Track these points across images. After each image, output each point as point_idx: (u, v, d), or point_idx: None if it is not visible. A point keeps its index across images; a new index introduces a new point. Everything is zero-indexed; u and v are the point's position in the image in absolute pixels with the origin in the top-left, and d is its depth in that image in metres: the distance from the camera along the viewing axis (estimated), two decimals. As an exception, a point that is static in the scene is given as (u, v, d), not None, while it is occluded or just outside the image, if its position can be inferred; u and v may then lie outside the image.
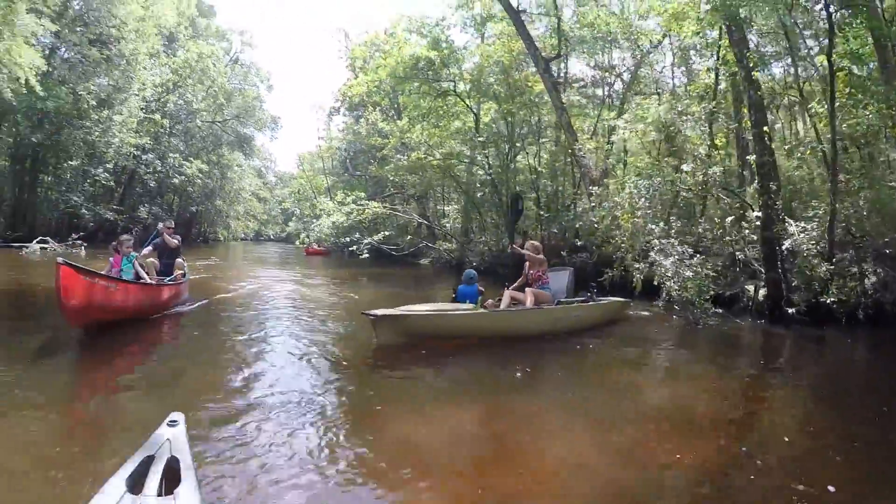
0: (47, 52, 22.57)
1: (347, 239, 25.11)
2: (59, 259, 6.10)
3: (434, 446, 3.94)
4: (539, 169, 18.99)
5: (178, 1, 36.66)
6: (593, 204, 12.92)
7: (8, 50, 15.88)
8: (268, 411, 4.22)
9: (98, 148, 27.95)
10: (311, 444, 3.66)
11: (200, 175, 37.59)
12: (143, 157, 33.23)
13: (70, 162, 27.88)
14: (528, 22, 17.33)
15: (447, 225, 26.49)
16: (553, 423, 4.50)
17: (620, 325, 9.26)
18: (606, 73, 18.65)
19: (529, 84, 17.54)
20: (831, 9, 9.34)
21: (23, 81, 16.95)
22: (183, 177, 36.43)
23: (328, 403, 4.58)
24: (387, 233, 24.60)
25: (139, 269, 7.93)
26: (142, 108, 31.05)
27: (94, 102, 26.41)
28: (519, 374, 5.89)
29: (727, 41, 11.13)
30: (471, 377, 5.98)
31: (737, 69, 10.68)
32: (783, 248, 9.37)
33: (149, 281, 8.07)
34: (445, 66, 18.46)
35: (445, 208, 28.28)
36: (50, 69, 22.01)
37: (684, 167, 11.18)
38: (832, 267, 9.10)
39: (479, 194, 21.68)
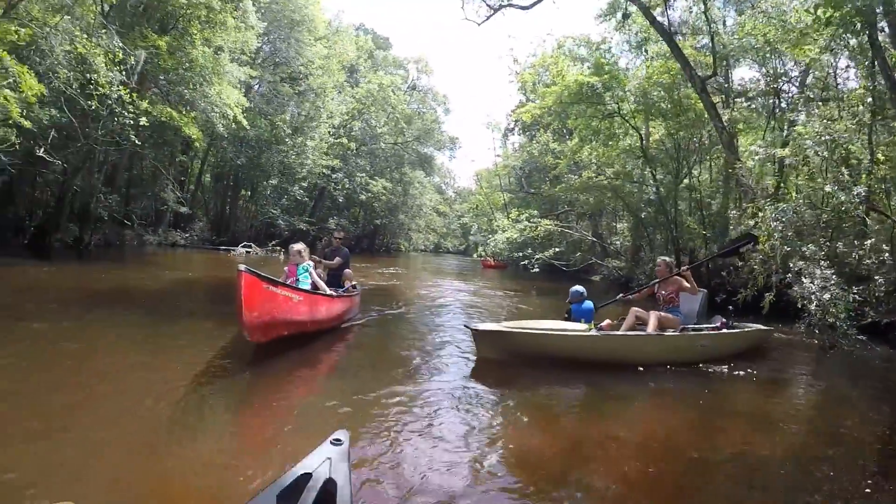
0: (245, 90, 25.53)
1: (520, 254, 26.08)
2: (241, 266, 5.41)
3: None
4: (700, 187, 18.01)
5: (357, 38, 39.68)
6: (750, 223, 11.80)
7: (219, 93, 18.26)
8: (430, 435, 4.04)
9: (293, 168, 31.22)
10: (473, 472, 3.51)
11: (384, 192, 40.12)
12: (333, 175, 36.22)
13: (270, 181, 31.30)
14: (683, 40, 16.54)
15: (618, 242, 25.72)
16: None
17: (760, 355, 8.07)
18: (773, 82, 17.09)
19: (692, 101, 16.57)
20: None
21: (231, 117, 19.30)
22: (370, 194, 39.14)
23: (486, 423, 4.43)
24: (558, 249, 24.37)
25: (316, 278, 7.34)
26: (331, 133, 34.06)
27: (289, 130, 29.54)
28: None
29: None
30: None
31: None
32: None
33: (328, 292, 7.52)
34: (608, 90, 17.98)
35: (618, 226, 27.72)
36: (251, 104, 24.83)
37: (828, 187, 10.04)
38: None
39: (642, 214, 20.92)
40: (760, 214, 10.32)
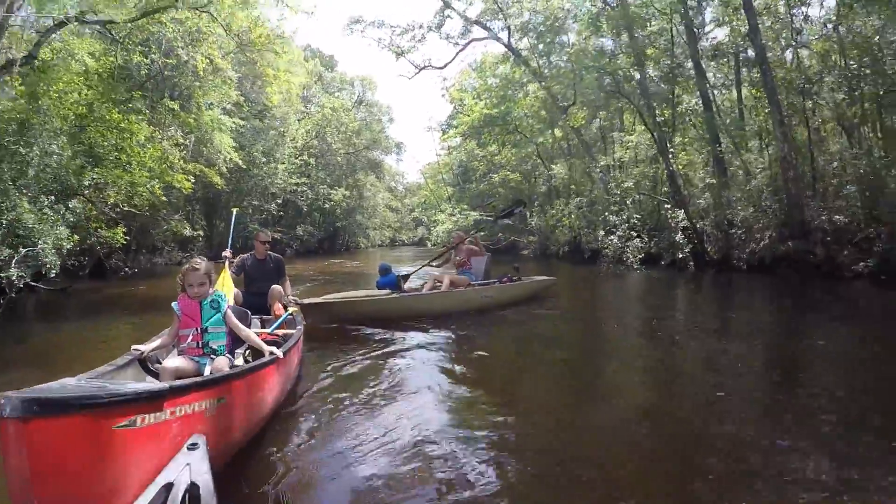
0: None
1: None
2: (14, 397, 1.97)
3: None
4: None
5: (307, 61, 45.85)
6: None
7: (220, 141, 24.56)
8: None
9: (268, 189, 37.36)
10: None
11: (343, 198, 46.68)
12: (299, 189, 42.53)
13: (252, 202, 37.31)
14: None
15: (532, 223, 33.22)
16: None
17: (541, 298, 11.19)
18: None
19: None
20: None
21: (228, 158, 25.65)
22: (332, 202, 45.55)
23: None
24: (484, 232, 31.75)
25: (237, 323, 4.05)
26: (295, 155, 40.36)
27: (263, 158, 35.66)
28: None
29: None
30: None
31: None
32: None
33: (264, 347, 4.06)
34: (506, 115, 25.40)
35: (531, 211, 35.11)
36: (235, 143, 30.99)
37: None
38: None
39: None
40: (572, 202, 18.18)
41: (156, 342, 4.02)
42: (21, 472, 1.95)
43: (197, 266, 3.87)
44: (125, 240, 11.72)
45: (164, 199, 15.20)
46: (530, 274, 12.43)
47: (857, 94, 15.09)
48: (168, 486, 2.34)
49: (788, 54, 17.74)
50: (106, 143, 10.69)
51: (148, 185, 12.03)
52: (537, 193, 28.18)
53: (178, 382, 2.85)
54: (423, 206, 60.95)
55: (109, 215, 12.32)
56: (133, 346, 3.94)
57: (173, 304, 3.91)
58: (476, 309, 9.24)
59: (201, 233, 36.88)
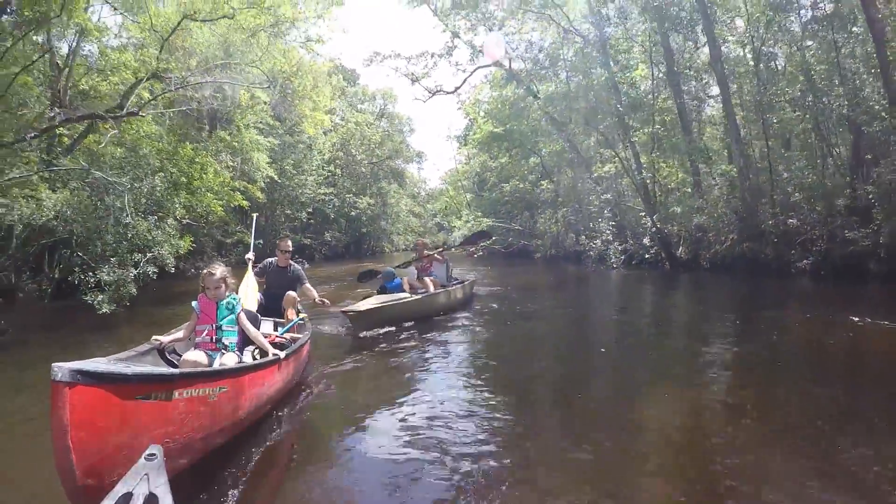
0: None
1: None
2: (58, 369, 2.55)
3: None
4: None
5: (330, 78, 49.00)
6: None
7: (257, 160, 27.78)
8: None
9: (299, 199, 40.55)
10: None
11: (368, 206, 49.99)
12: (327, 199, 45.79)
13: (285, 211, 40.50)
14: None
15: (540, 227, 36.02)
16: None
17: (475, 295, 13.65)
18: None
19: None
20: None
21: (265, 175, 28.87)
22: (357, 210, 48.82)
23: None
24: (496, 237, 34.65)
25: (248, 326, 4.64)
26: (322, 167, 43.62)
27: (293, 171, 38.85)
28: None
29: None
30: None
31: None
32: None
33: (270, 350, 4.70)
34: (512, 133, 28.54)
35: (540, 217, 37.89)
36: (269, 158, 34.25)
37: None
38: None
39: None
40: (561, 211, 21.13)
41: (175, 334, 4.63)
42: (63, 423, 2.50)
43: (213, 272, 4.44)
44: (192, 246, 14.80)
45: (223, 214, 18.15)
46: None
47: (807, 115, 17.54)
48: (126, 497, 2.44)
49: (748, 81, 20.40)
50: (182, 175, 13.87)
51: (218, 204, 15.11)
52: (542, 201, 31.23)
53: (188, 370, 3.52)
54: (445, 211, 64.33)
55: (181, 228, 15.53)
56: (153, 337, 4.53)
57: (193, 302, 4.56)
58: (458, 306, 10.94)
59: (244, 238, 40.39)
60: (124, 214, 10.59)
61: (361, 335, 8.02)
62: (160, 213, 12.55)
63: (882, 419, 4.61)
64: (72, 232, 11.15)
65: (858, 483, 3.48)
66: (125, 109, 12.16)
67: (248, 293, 6.65)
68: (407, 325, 8.92)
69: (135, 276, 10.87)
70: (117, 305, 10.63)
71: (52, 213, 10.75)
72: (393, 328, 8.65)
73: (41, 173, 11.21)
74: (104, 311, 10.22)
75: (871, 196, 14.93)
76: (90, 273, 10.65)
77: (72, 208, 10.78)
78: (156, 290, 13.97)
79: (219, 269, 4.49)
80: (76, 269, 10.96)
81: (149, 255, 11.38)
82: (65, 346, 8.28)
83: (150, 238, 11.36)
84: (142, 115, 12.29)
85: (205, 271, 4.50)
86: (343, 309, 8.27)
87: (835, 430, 4.38)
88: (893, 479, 3.47)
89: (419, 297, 9.41)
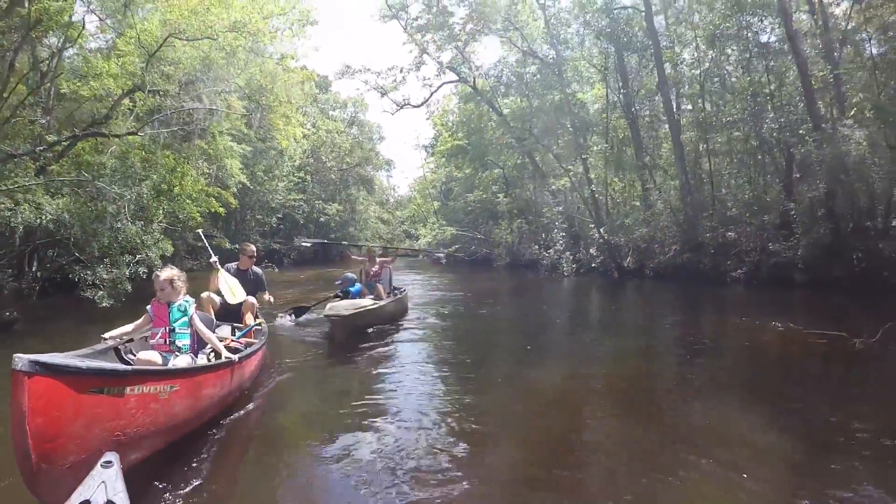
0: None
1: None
2: (19, 359, 2.76)
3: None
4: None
5: (303, 85, 49.81)
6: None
7: (231, 167, 28.75)
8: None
9: (270, 205, 41.46)
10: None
11: (337, 213, 51.01)
12: (297, 204, 46.73)
13: (255, 216, 41.35)
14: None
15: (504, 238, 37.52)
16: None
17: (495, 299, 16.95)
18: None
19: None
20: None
21: (238, 181, 29.85)
22: (327, 216, 49.80)
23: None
24: (458, 245, 36.18)
25: (201, 327, 4.70)
26: (293, 173, 44.55)
27: (265, 177, 39.74)
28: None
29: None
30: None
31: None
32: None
33: (224, 353, 4.86)
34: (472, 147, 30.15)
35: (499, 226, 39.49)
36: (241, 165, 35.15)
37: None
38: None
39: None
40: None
41: (120, 330, 4.65)
42: (21, 410, 2.70)
43: (159, 274, 4.56)
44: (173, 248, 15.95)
45: (202, 220, 19.13)
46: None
47: (750, 136, 19.36)
48: None
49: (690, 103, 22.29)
50: (164, 183, 14.98)
51: (196, 211, 16.18)
52: (503, 211, 32.85)
53: (140, 367, 3.76)
54: (413, 218, 65.64)
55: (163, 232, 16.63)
56: (102, 336, 4.60)
57: (148, 306, 4.63)
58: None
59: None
60: (118, 219, 11.88)
61: (338, 340, 8.32)
62: (146, 218, 13.71)
63: (735, 394, 6.18)
64: (67, 234, 12.28)
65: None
66: (125, 128, 13.26)
67: (234, 289, 7.05)
68: (370, 330, 9.32)
69: (128, 275, 12.15)
70: (115, 300, 11.85)
71: (53, 216, 11.81)
72: (367, 332, 9.10)
73: (48, 182, 12.38)
74: (104, 304, 11.58)
75: (792, 212, 16.77)
76: (88, 272, 11.98)
77: (70, 213, 11.92)
78: (147, 289, 14.66)
79: (165, 272, 4.59)
80: (77, 267, 12.29)
81: (138, 256, 12.65)
82: (74, 336, 9.08)
83: (140, 241, 12.57)
84: (141, 136, 13.46)
85: (154, 275, 4.65)
86: (326, 313, 8.48)
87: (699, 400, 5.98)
88: (721, 435, 4.80)
89: (384, 303, 9.79)
